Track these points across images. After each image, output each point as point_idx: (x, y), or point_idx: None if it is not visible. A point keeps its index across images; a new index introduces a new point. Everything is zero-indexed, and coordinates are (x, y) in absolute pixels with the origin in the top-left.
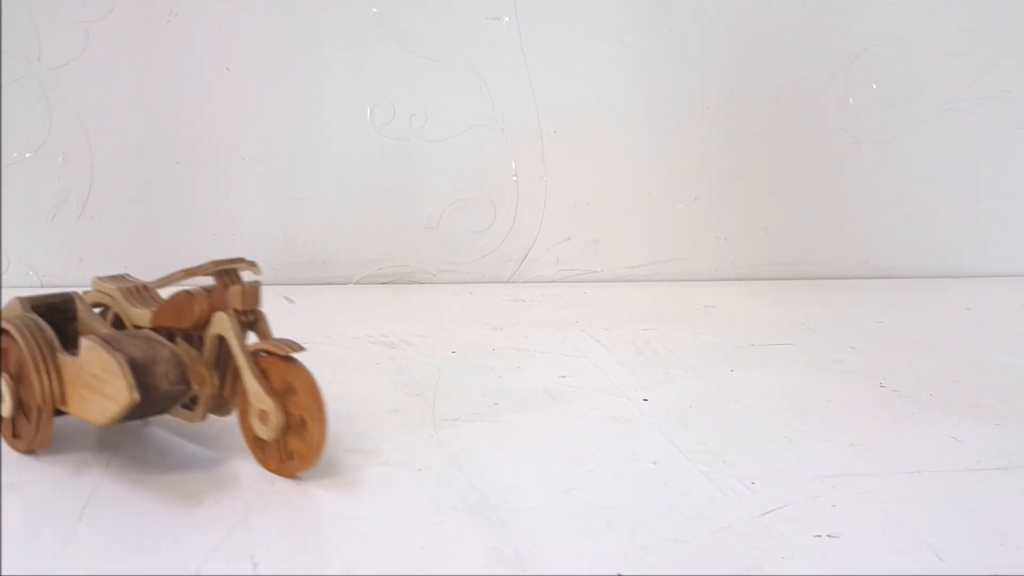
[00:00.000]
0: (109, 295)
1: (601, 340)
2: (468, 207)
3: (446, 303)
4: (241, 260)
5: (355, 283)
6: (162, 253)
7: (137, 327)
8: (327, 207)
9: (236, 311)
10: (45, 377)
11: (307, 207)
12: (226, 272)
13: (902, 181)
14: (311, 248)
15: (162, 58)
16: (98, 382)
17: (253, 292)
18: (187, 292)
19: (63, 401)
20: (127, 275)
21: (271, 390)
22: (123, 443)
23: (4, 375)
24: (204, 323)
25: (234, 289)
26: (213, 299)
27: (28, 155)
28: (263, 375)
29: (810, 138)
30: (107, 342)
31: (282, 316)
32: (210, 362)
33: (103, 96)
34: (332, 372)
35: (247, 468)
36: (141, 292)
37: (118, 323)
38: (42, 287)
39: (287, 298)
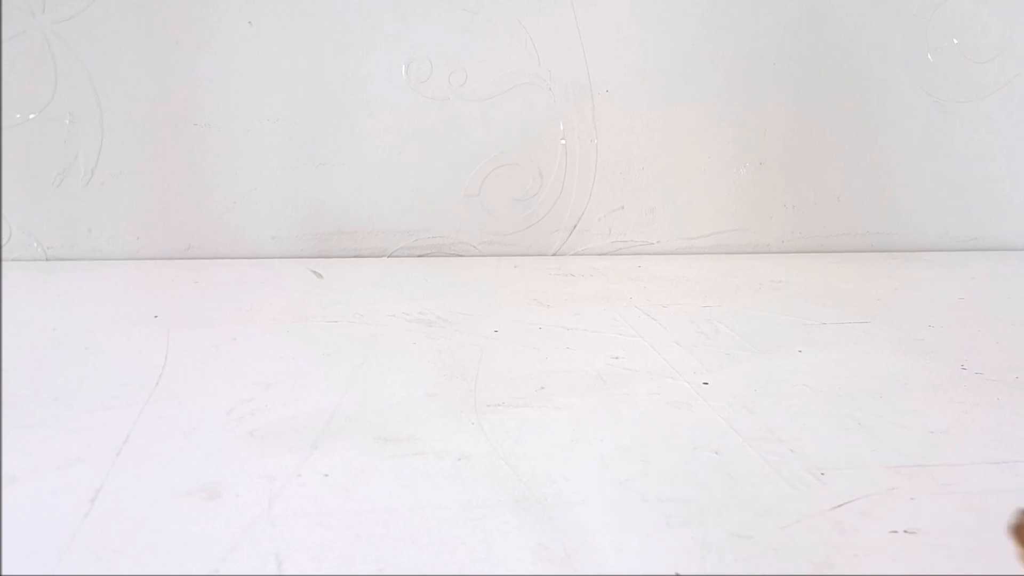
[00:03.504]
0: None
1: (658, 318)
2: (512, 173)
3: (488, 277)
4: None
5: (389, 255)
6: (178, 224)
7: None
8: (358, 173)
9: None
10: None
11: (336, 173)
12: None
13: (986, 145)
14: (341, 218)
15: (178, 10)
16: None
17: None
18: None
19: None
20: None
21: None
22: (134, 429)
23: None
24: None
25: None
26: None
27: (32, 116)
28: None
29: (886, 98)
30: None
31: (310, 292)
32: None
33: (113, 52)
34: (364, 352)
35: (270, 456)
36: None
37: None
38: (47, 259)
39: (315, 272)
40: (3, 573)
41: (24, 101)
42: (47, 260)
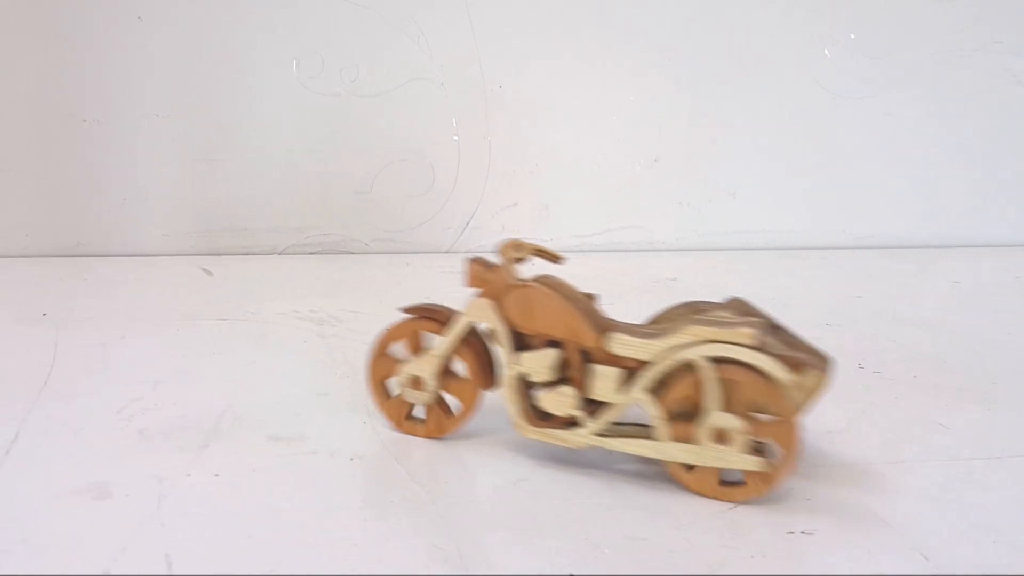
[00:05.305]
0: None
1: None
2: (404, 170)
3: (380, 275)
4: None
5: (279, 253)
6: (66, 221)
7: None
8: (249, 170)
9: None
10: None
11: (226, 169)
12: None
13: (881, 140)
14: (231, 214)
15: (67, 5)
16: None
17: None
18: None
19: None
20: None
21: None
22: (23, 428)
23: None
24: None
25: None
26: None
27: None
28: None
29: (781, 93)
30: None
31: (200, 290)
32: None
33: None
34: (254, 351)
35: (160, 455)
36: None
37: None
38: None
39: (205, 270)
40: None
41: None
42: None
